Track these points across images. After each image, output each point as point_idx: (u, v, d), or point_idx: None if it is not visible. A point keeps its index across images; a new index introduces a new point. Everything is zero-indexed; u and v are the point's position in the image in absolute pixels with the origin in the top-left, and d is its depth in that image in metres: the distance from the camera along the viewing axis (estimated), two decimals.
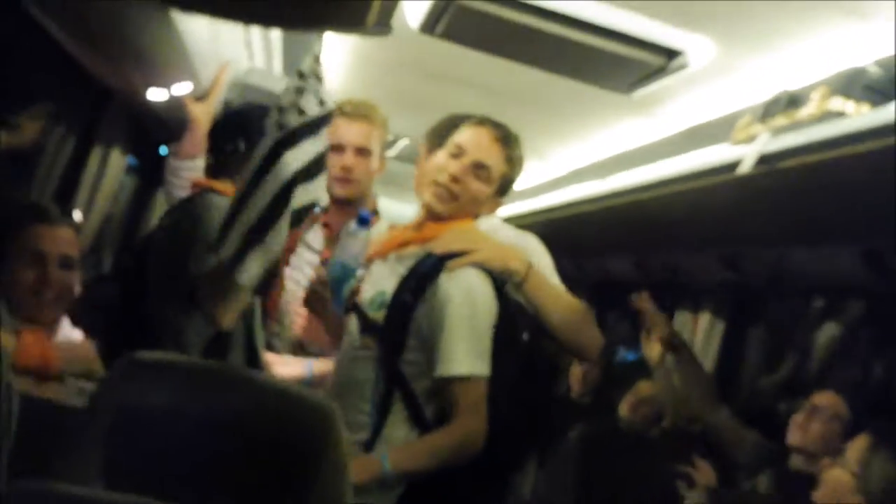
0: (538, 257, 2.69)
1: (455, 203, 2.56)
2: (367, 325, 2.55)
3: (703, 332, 4.65)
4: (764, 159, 2.67)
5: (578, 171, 4.59)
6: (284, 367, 3.32)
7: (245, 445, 1.78)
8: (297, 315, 3.14)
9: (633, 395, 4.37)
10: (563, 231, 4.83)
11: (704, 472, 3.14)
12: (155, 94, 3.61)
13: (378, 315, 2.52)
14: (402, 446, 2.42)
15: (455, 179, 2.54)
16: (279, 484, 1.78)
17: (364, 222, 2.59)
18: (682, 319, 4.86)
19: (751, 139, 2.77)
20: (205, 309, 2.39)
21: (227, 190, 2.67)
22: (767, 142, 2.67)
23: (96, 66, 3.39)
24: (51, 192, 4.16)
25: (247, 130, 2.77)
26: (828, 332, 4.89)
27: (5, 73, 3.40)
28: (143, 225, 5.94)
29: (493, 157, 2.57)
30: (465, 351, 2.42)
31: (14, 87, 3.68)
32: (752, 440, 3.36)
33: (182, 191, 3.07)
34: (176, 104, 3.75)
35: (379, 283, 2.59)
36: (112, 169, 4.41)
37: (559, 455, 3.02)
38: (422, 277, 2.48)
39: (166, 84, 3.44)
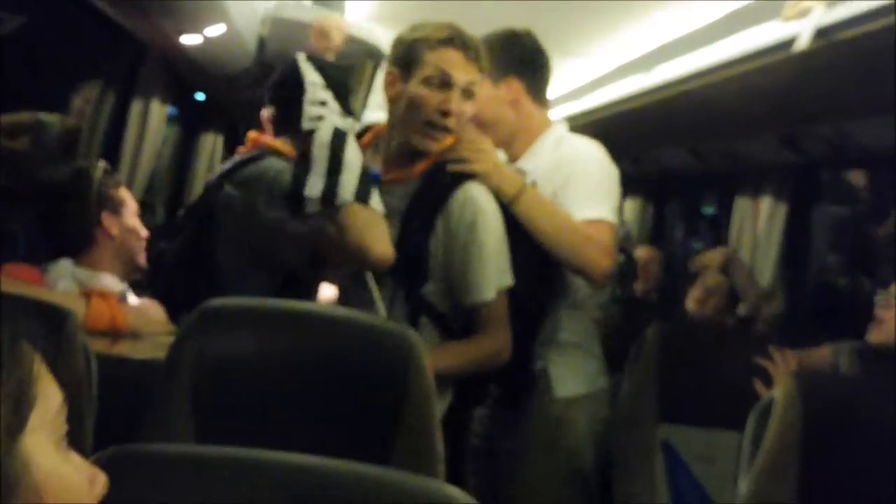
0: (579, 171, 2.66)
1: (451, 134, 2.44)
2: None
3: (765, 216, 4.56)
4: (821, 33, 2.58)
5: (624, 66, 4.49)
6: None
7: (334, 380, 1.78)
8: None
9: (700, 286, 4.32)
10: (615, 128, 4.76)
11: (784, 362, 3.09)
12: (189, 40, 3.57)
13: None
14: (434, 351, 2.32)
15: (449, 114, 2.39)
16: (369, 413, 1.79)
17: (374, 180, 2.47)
18: (742, 205, 4.79)
19: (804, 14, 2.68)
20: (351, 250, 2.28)
21: (288, 150, 2.61)
22: (823, 14, 2.58)
23: (128, 18, 3.36)
24: (97, 150, 4.17)
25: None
26: None
27: (48, 50, 3.40)
28: (189, 172, 5.96)
29: (474, 76, 2.41)
30: (493, 275, 2.40)
31: (56, 59, 3.67)
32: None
33: None
34: (210, 47, 3.72)
35: None
36: (154, 120, 4.41)
37: (639, 356, 3.00)
38: (429, 211, 2.40)
39: (199, 28, 3.40)
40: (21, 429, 0.88)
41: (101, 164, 2.69)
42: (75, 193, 2.58)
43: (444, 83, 2.38)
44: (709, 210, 6.72)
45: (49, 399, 0.93)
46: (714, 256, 4.21)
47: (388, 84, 2.47)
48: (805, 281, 4.66)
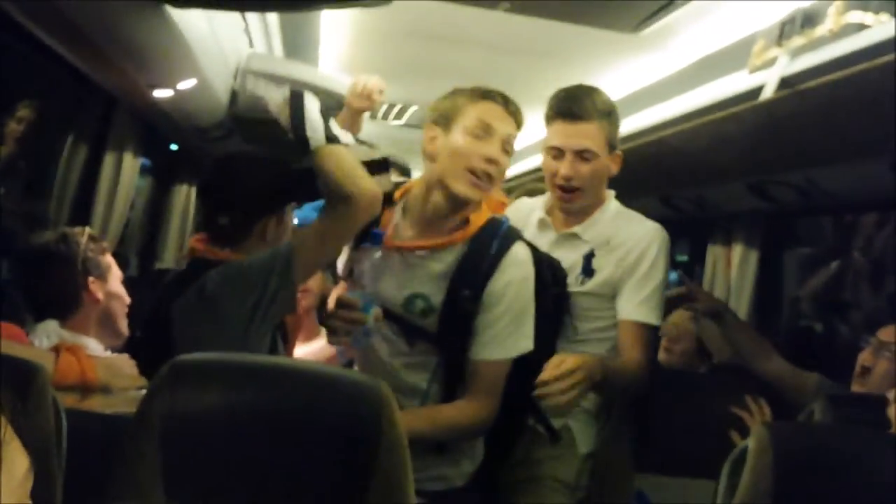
0: (647, 269, 2.74)
1: (492, 185, 2.44)
2: (413, 331, 2.46)
3: (737, 262, 4.59)
4: (785, 83, 2.62)
5: None
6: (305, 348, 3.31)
7: (305, 434, 1.77)
8: None
9: (664, 336, 4.29)
10: None
11: (759, 413, 3.09)
12: (161, 94, 3.58)
13: (427, 321, 2.43)
14: (412, 412, 2.36)
15: (493, 161, 2.40)
16: (341, 469, 1.77)
17: (376, 239, 2.49)
18: (714, 253, 4.81)
19: (769, 64, 2.72)
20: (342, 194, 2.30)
21: (227, 257, 2.44)
22: (787, 64, 2.62)
23: (99, 73, 3.37)
24: (69, 202, 4.16)
25: (241, 198, 2.48)
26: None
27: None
28: (163, 223, 5.95)
29: (512, 130, 2.45)
30: (509, 337, 2.43)
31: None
32: (813, 382, 3.29)
33: None
34: (182, 100, 3.73)
35: (408, 284, 2.46)
36: (126, 172, 4.40)
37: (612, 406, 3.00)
38: (480, 277, 2.41)
39: (171, 82, 3.41)
40: None
41: (87, 230, 2.70)
42: (60, 258, 2.59)
43: (486, 132, 2.40)
44: (682, 258, 6.74)
45: (15, 465, 0.91)
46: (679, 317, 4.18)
47: (429, 142, 2.47)
48: (779, 326, 4.68)
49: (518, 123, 2.47)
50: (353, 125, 2.82)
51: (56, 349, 2.32)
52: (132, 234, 5.57)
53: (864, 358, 3.12)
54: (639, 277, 2.73)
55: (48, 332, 2.54)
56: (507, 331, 2.42)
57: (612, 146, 2.79)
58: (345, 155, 2.37)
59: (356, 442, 1.77)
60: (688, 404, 3.10)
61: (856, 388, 3.10)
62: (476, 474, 2.55)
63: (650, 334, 2.76)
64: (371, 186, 2.33)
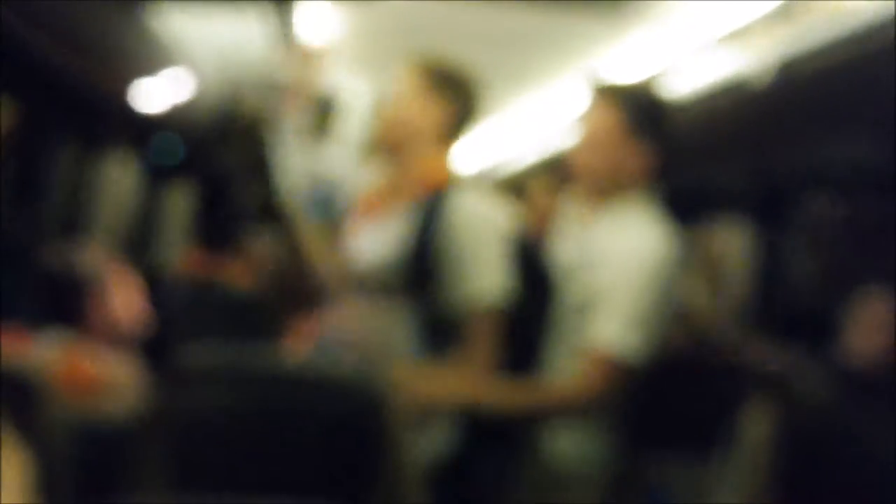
0: (627, 266, 2.37)
1: (397, 149, 2.46)
2: (386, 289, 2.41)
3: (735, 245, 4.60)
4: (781, 62, 2.62)
5: None
6: None
7: (308, 433, 1.78)
8: None
9: None
10: None
11: (760, 392, 3.09)
12: (159, 97, 3.58)
13: (397, 275, 2.38)
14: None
15: (384, 134, 2.50)
16: (347, 465, 1.78)
17: None
18: (711, 236, 4.82)
19: (763, 48, 2.72)
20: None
21: (227, 271, 2.47)
22: (783, 44, 2.62)
23: (95, 77, 3.37)
24: (69, 208, 4.16)
25: (228, 200, 2.55)
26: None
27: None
28: (163, 227, 5.96)
29: (415, 104, 2.42)
30: (490, 279, 2.33)
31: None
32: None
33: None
34: (178, 103, 3.73)
35: (377, 245, 2.44)
36: (126, 177, 4.40)
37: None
38: (441, 220, 2.36)
39: (168, 85, 3.42)
40: None
41: (93, 243, 2.70)
42: (65, 273, 2.60)
43: (394, 97, 2.47)
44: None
45: (10, 468, 0.91)
46: None
47: None
48: (778, 307, 4.68)
49: (441, 94, 2.43)
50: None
51: (61, 352, 2.33)
52: (133, 239, 5.57)
53: (850, 328, 3.13)
54: (607, 298, 2.34)
55: (54, 340, 2.54)
56: (475, 271, 2.31)
57: (634, 135, 2.44)
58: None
59: (360, 438, 1.78)
60: (686, 385, 3.10)
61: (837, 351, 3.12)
62: (459, 449, 2.38)
63: (606, 366, 2.31)
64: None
